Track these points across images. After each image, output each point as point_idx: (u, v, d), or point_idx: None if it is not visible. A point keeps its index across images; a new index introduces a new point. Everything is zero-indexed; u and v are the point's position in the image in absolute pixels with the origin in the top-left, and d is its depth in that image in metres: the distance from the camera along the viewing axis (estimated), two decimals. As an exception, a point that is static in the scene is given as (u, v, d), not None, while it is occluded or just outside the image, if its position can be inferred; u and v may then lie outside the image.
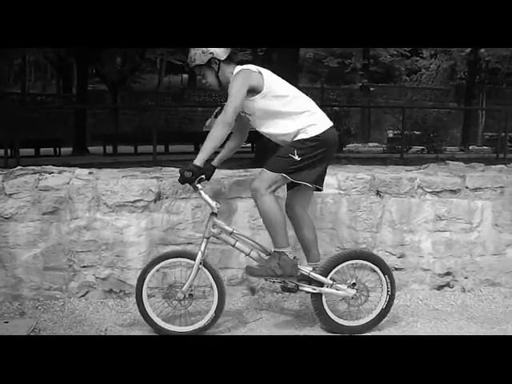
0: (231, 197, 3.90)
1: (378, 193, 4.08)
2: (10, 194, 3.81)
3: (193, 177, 3.15)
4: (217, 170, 3.59)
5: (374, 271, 3.46)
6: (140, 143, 17.39)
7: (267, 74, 3.26)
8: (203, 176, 3.29)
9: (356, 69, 33.00)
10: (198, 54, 3.26)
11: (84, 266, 3.87)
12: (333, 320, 3.41)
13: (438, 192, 4.15)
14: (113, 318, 3.67)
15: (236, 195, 3.91)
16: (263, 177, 3.23)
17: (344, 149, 16.85)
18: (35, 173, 3.95)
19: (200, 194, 3.31)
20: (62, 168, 4.15)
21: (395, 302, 3.57)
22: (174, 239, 3.88)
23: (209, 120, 19.23)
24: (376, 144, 23.77)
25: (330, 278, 3.36)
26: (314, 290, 3.35)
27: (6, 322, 3.52)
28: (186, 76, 40.92)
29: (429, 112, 19.08)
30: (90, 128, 20.47)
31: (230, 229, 3.37)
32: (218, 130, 3.13)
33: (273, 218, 3.21)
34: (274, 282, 3.36)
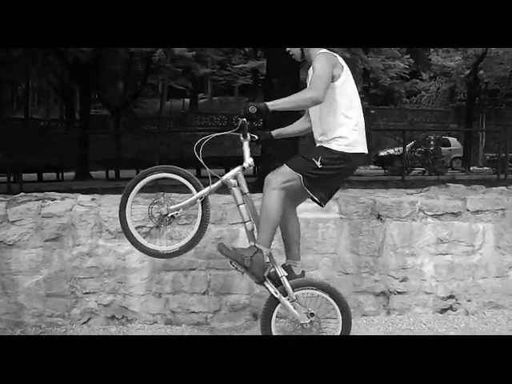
0: (233, 222, 3.92)
1: (379, 217, 4.09)
2: (13, 221, 3.83)
3: (255, 114, 2.94)
4: (218, 195, 3.57)
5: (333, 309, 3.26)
6: (142, 168, 17.43)
7: (347, 72, 3.21)
8: (256, 136, 3.22)
9: (356, 92, 33.28)
10: None
11: (86, 293, 3.87)
12: (271, 331, 3.24)
13: (440, 215, 4.15)
14: (115, 345, 3.65)
15: (238, 221, 3.92)
16: (280, 170, 3.15)
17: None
18: (38, 199, 3.98)
19: (244, 143, 3.14)
20: (64, 194, 4.18)
21: (399, 325, 3.55)
22: (176, 265, 3.88)
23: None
24: (377, 166, 23.82)
25: (296, 295, 3.21)
26: (276, 294, 3.19)
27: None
28: (187, 100, 41.29)
29: (429, 134, 19.14)
30: (92, 153, 20.57)
31: (246, 189, 3.20)
32: (306, 97, 2.99)
33: (271, 215, 3.10)
34: (236, 268, 3.17)
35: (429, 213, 4.14)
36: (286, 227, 3.36)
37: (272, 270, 3.20)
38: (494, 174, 15.80)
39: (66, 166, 18.88)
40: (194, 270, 3.87)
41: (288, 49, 3.27)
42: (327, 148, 3.15)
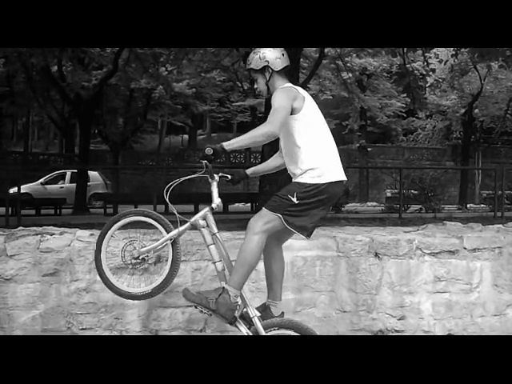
0: (231, 259, 3.91)
1: (376, 255, 4.10)
2: (12, 255, 3.83)
3: (212, 156, 2.96)
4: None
5: None
6: (140, 203, 17.47)
7: (310, 102, 3.22)
8: (229, 176, 3.26)
9: (353, 130, 33.67)
10: (255, 59, 3.22)
11: (83, 329, 3.84)
12: None
13: (437, 253, 4.17)
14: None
15: (235, 258, 3.93)
16: (260, 214, 3.15)
17: (343, 209, 16.94)
18: (37, 234, 3.98)
19: (212, 184, 3.18)
20: (63, 229, 4.18)
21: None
22: (173, 302, 3.87)
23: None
24: (374, 203, 23.92)
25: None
26: (247, 334, 3.14)
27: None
28: (186, 137, 41.62)
29: (426, 171, 19.28)
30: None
31: (215, 230, 3.21)
32: (261, 133, 3.01)
33: (248, 260, 3.09)
34: (202, 311, 3.15)
35: (426, 251, 4.16)
36: (271, 266, 3.35)
37: (244, 310, 3.17)
38: (490, 211, 15.85)
39: (64, 200, 18.89)
40: (190, 307, 3.85)
41: (255, 85, 3.32)
42: (301, 182, 3.15)
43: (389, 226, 6.47)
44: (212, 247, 3.21)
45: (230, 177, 3.35)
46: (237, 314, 3.13)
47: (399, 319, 4.10)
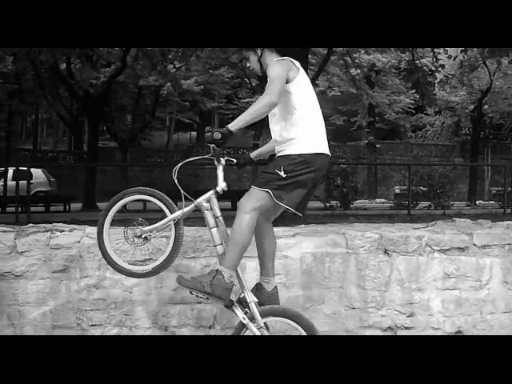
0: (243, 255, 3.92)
1: (385, 251, 4.09)
2: (22, 252, 3.85)
3: (221, 140, 2.99)
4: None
5: None
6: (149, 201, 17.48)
7: (303, 75, 3.24)
8: (234, 160, 3.28)
9: (362, 126, 33.57)
10: None
11: (92, 325, 3.86)
12: None
13: (446, 250, 4.15)
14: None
15: (246, 254, 3.93)
16: (249, 192, 3.16)
17: (351, 205, 16.91)
18: (47, 231, 4.00)
19: (218, 167, 3.20)
20: (72, 226, 4.20)
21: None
22: (183, 298, 3.88)
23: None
24: (383, 200, 23.86)
25: (265, 323, 3.17)
26: (244, 319, 3.15)
27: None
28: (194, 134, 41.68)
29: (435, 168, 19.21)
30: (99, 184, 20.71)
31: (218, 213, 3.22)
32: (262, 105, 3.03)
33: (240, 239, 3.09)
34: (198, 296, 3.17)
35: (435, 247, 4.14)
36: (262, 243, 3.36)
37: (242, 294, 3.19)
38: (500, 208, 15.78)
39: (73, 197, 18.94)
40: (200, 303, 3.86)
41: (248, 63, 3.35)
42: (286, 155, 3.16)
43: (398, 222, 6.45)
44: (214, 230, 3.20)
45: (235, 161, 3.35)
46: (234, 297, 3.15)
47: (408, 316, 4.09)
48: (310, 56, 11.21)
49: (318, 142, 3.21)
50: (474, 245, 4.20)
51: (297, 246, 3.70)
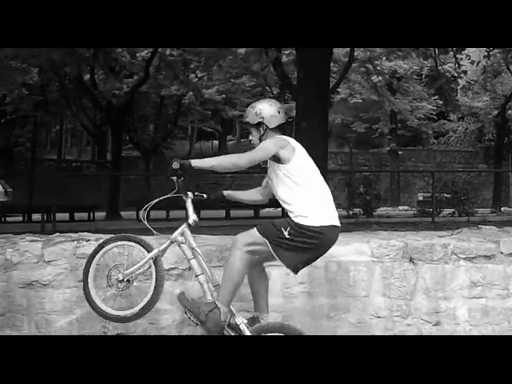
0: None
1: (411, 260, 4.06)
2: (49, 261, 3.91)
3: (179, 170, 3.07)
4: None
5: None
6: (172, 209, 17.60)
7: (300, 152, 3.25)
8: (204, 195, 3.35)
9: (384, 133, 33.36)
10: (252, 114, 3.32)
11: (118, 334, 3.89)
12: None
13: (472, 258, 4.10)
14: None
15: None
16: (249, 232, 3.17)
17: (374, 213, 16.78)
18: (73, 240, 4.06)
19: (187, 201, 3.25)
20: (98, 235, 4.25)
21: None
22: (207, 306, 3.89)
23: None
24: (406, 207, 23.62)
25: None
26: None
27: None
28: (216, 142, 41.87)
29: (458, 175, 18.97)
30: (123, 193, 20.90)
31: (194, 244, 3.26)
32: (229, 161, 3.13)
33: (233, 276, 3.11)
34: (190, 318, 3.19)
35: (461, 255, 4.09)
36: (253, 284, 3.39)
37: (231, 320, 3.19)
38: (526, 215, 15.50)
39: (97, 206, 19.10)
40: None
41: (250, 137, 3.38)
42: (295, 222, 3.15)
43: (422, 230, 6.39)
44: (193, 261, 3.26)
45: (205, 196, 3.38)
46: (225, 323, 3.17)
47: (434, 325, 4.05)
48: (331, 64, 11.21)
49: (327, 216, 3.20)
50: (501, 252, 4.14)
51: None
